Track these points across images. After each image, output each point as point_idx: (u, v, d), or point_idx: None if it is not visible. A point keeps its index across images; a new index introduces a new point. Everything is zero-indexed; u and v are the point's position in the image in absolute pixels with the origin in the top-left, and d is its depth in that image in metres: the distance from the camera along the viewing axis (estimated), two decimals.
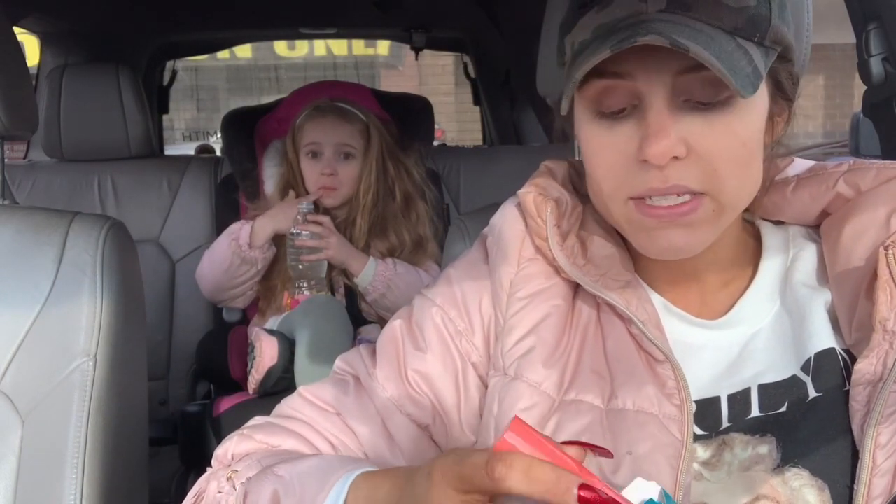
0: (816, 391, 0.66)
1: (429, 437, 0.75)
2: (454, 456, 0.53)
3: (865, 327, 0.65)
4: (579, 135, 0.68)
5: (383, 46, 9.43)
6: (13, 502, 0.95)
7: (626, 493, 0.50)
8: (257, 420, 0.78)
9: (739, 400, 0.67)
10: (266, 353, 1.57)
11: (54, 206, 1.13)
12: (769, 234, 0.75)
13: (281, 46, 9.69)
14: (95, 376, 0.98)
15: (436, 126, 2.28)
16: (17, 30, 1.67)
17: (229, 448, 0.75)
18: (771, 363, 0.68)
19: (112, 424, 1.00)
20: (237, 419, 0.80)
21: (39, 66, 2.59)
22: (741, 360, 0.69)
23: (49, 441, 0.96)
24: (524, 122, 2.93)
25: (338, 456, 0.73)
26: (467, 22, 2.96)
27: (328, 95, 1.84)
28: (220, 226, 1.99)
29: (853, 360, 0.65)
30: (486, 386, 0.74)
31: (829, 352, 0.67)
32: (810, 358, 0.67)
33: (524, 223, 0.75)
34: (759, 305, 0.71)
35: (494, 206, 0.79)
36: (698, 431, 0.66)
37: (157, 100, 3.12)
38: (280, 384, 1.58)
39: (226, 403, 1.68)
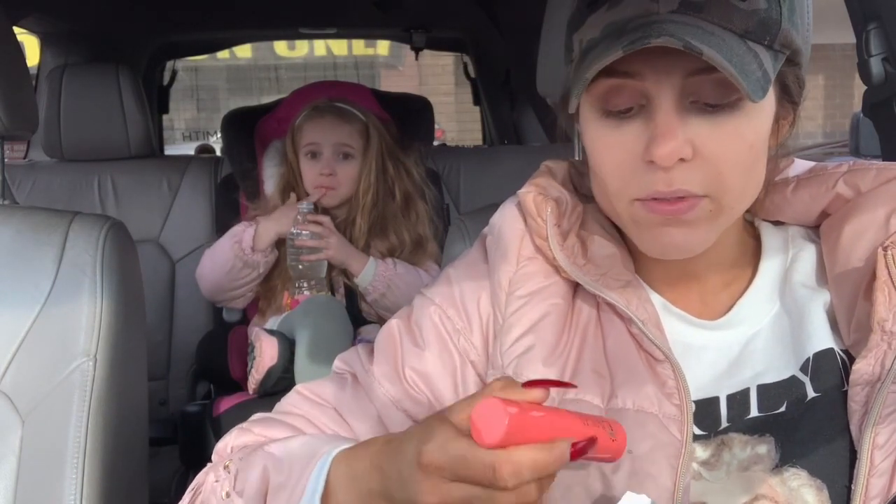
0: (815, 391, 0.66)
1: None
2: (439, 440, 0.53)
3: (864, 328, 0.65)
4: (584, 133, 0.68)
5: (383, 46, 9.43)
6: (13, 502, 0.95)
7: None
8: (257, 416, 0.79)
9: (738, 400, 0.67)
10: (266, 353, 1.57)
11: (54, 206, 1.13)
12: (769, 235, 0.75)
13: (281, 46, 9.69)
14: (95, 376, 0.98)
15: (436, 126, 2.28)
16: (17, 30, 1.67)
17: (229, 442, 0.76)
18: (770, 363, 0.68)
19: (112, 424, 1.00)
20: (237, 419, 0.80)
21: (39, 66, 2.60)
22: (740, 360, 0.69)
23: (49, 441, 0.96)
24: (524, 122, 2.94)
25: (327, 435, 0.74)
26: (467, 22, 2.96)
27: (328, 95, 1.84)
28: (220, 226, 1.99)
29: (852, 360, 0.65)
30: (484, 384, 0.74)
31: (828, 352, 0.67)
32: (809, 358, 0.67)
33: (524, 222, 0.75)
34: (758, 306, 0.71)
35: (494, 206, 0.79)
36: (697, 431, 0.66)
37: (157, 100, 3.12)
38: (280, 384, 1.58)
39: (226, 403, 1.68)
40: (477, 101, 3.40)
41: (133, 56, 2.77)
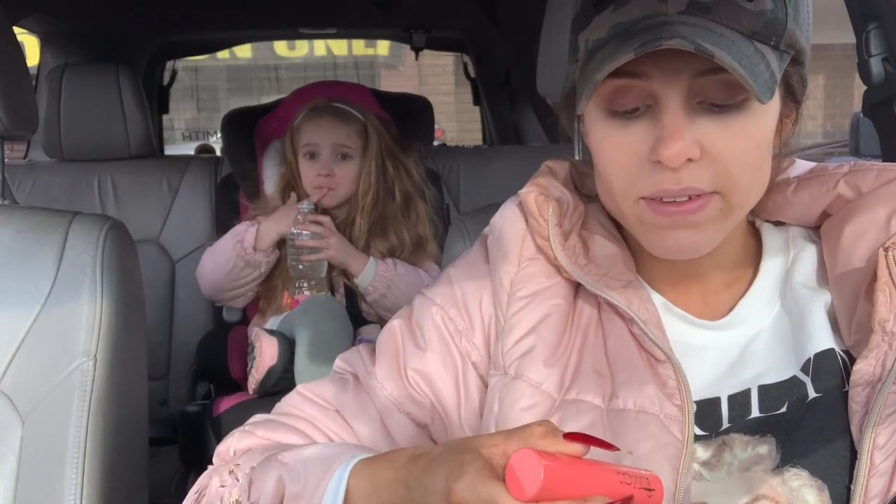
0: (816, 392, 0.66)
1: (427, 435, 0.75)
2: (470, 479, 0.52)
3: (865, 328, 0.65)
4: (590, 133, 0.68)
5: (383, 46, 9.42)
6: (13, 502, 0.95)
7: None
8: (258, 417, 0.78)
9: (739, 400, 0.67)
10: (266, 353, 1.57)
11: (54, 206, 1.13)
12: (770, 235, 0.75)
13: (281, 46, 9.68)
14: (95, 376, 0.98)
15: (436, 126, 2.28)
16: (17, 30, 1.67)
17: (231, 444, 0.75)
18: (771, 364, 0.68)
19: (112, 424, 1.00)
20: (237, 419, 0.80)
21: (39, 66, 2.60)
22: (742, 360, 0.69)
23: (49, 441, 0.96)
24: (524, 122, 2.93)
25: (341, 443, 0.74)
26: (467, 22, 2.96)
27: (327, 96, 1.84)
28: (220, 226, 1.99)
29: (852, 360, 0.65)
30: (486, 385, 0.74)
31: (829, 353, 0.67)
32: (810, 359, 0.67)
33: (525, 222, 0.75)
34: (759, 306, 0.71)
35: (494, 206, 0.79)
36: (698, 432, 0.66)
37: (157, 100, 3.12)
38: (280, 384, 1.58)
39: (226, 403, 1.68)
40: (477, 101, 3.39)
41: (133, 56, 2.77)
